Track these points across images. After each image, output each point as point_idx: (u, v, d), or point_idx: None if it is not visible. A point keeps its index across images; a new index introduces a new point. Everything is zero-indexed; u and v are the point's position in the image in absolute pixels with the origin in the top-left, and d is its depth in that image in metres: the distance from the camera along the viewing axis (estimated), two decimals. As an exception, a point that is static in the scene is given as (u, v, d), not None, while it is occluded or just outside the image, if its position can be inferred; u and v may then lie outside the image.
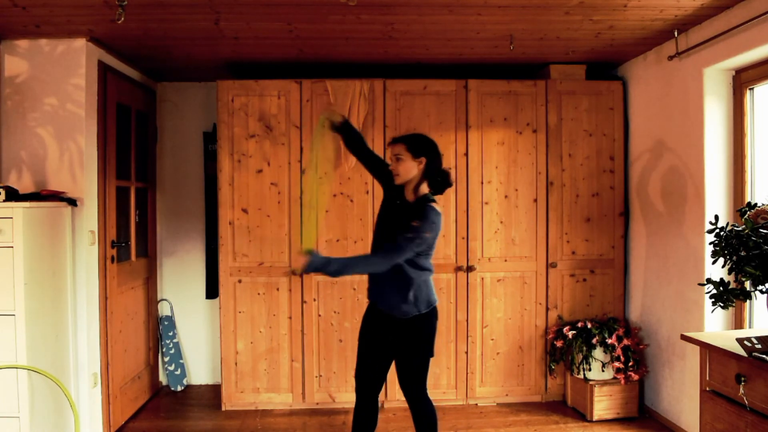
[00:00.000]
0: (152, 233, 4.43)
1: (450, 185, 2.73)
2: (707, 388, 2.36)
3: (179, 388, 4.48)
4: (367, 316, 2.85)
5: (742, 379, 2.13)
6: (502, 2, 2.92)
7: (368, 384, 2.80)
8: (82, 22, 3.12)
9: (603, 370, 3.81)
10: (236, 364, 3.99)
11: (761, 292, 2.12)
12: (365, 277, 3.95)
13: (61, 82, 3.35)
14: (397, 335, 2.69)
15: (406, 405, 3.98)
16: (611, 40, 3.58)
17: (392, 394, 3.99)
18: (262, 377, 4.00)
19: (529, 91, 4.06)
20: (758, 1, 2.79)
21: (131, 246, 4.04)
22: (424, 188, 2.68)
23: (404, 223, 2.56)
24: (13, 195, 2.94)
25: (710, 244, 2.30)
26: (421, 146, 2.66)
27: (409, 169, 2.65)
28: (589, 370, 3.80)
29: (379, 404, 4.01)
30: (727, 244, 2.18)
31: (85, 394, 3.41)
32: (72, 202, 3.31)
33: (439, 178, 2.68)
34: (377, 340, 2.77)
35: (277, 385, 4.01)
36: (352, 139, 2.93)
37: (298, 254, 2.46)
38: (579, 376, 3.86)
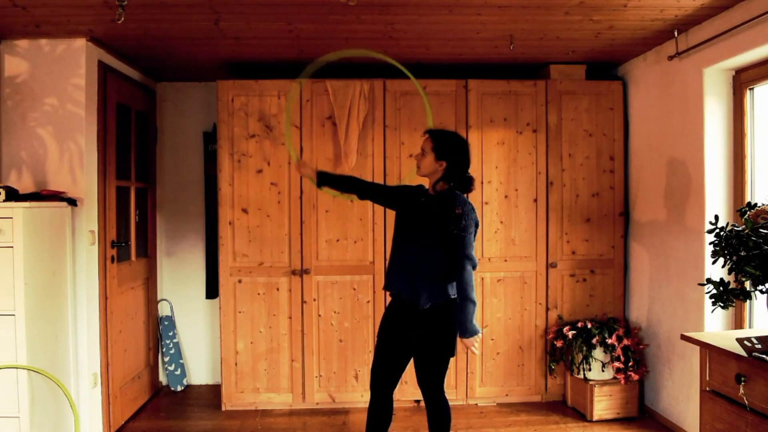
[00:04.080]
0: (152, 233, 4.43)
1: (469, 191, 2.74)
2: (707, 388, 2.36)
3: (179, 388, 4.48)
4: (388, 312, 2.84)
5: (742, 379, 2.13)
6: (502, 2, 2.92)
7: (385, 380, 2.80)
8: (82, 22, 3.12)
9: (603, 370, 3.81)
10: (236, 364, 3.99)
11: (761, 292, 2.12)
12: (366, 278, 3.98)
13: (61, 82, 3.35)
14: (419, 325, 2.67)
15: (406, 405, 4.02)
16: (611, 40, 3.58)
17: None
18: (262, 377, 4.00)
19: (529, 91, 4.05)
20: (758, 1, 2.79)
21: (131, 246, 4.04)
22: (444, 185, 2.72)
23: (436, 214, 2.61)
24: (13, 195, 2.94)
25: (710, 244, 2.30)
26: (447, 149, 2.67)
27: (428, 166, 2.70)
28: (589, 370, 3.80)
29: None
30: (727, 244, 2.18)
31: (85, 394, 3.41)
32: (72, 202, 3.31)
33: (459, 182, 2.70)
34: (398, 334, 2.75)
35: (277, 385, 4.01)
36: (343, 185, 3.02)
37: None
38: (579, 376, 3.86)
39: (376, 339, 2.91)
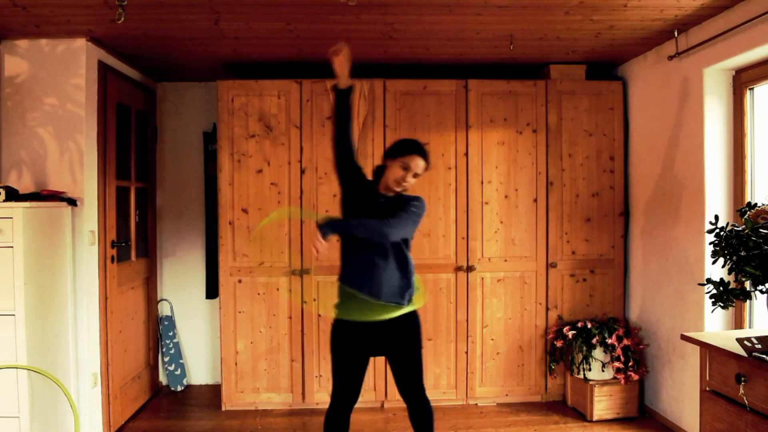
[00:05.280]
0: (152, 233, 4.43)
1: None
2: (707, 388, 2.36)
3: (179, 388, 4.48)
4: (346, 325, 2.61)
5: (742, 379, 2.13)
6: (502, 2, 2.92)
7: (351, 392, 2.65)
8: (82, 22, 3.12)
9: (603, 370, 3.81)
10: (236, 364, 3.99)
11: (761, 292, 2.12)
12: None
13: (61, 82, 3.35)
14: (393, 329, 2.59)
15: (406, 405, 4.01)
16: (611, 40, 3.58)
17: (392, 394, 3.99)
18: (262, 377, 4.00)
19: (529, 91, 4.05)
20: (758, 1, 2.79)
21: (131, 246, 4.04)
22: None
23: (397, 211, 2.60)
24: (13, 195, 2.94)
25: (710, 244, 2.30)
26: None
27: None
28: (589, 370, 3.80)
29: (379, 404, 4.02)
30: (727, 244, 2.18)
31: (85, 394, 3.41)
32: (72, 202, 3.31)
33: None
34: (364, 345, 2.62)
35: (277, 385, 4.01)
36: (343, 113, 2.71)
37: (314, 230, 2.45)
38: (579, 376, 3.86)
39: (332, 357, 2.66)
